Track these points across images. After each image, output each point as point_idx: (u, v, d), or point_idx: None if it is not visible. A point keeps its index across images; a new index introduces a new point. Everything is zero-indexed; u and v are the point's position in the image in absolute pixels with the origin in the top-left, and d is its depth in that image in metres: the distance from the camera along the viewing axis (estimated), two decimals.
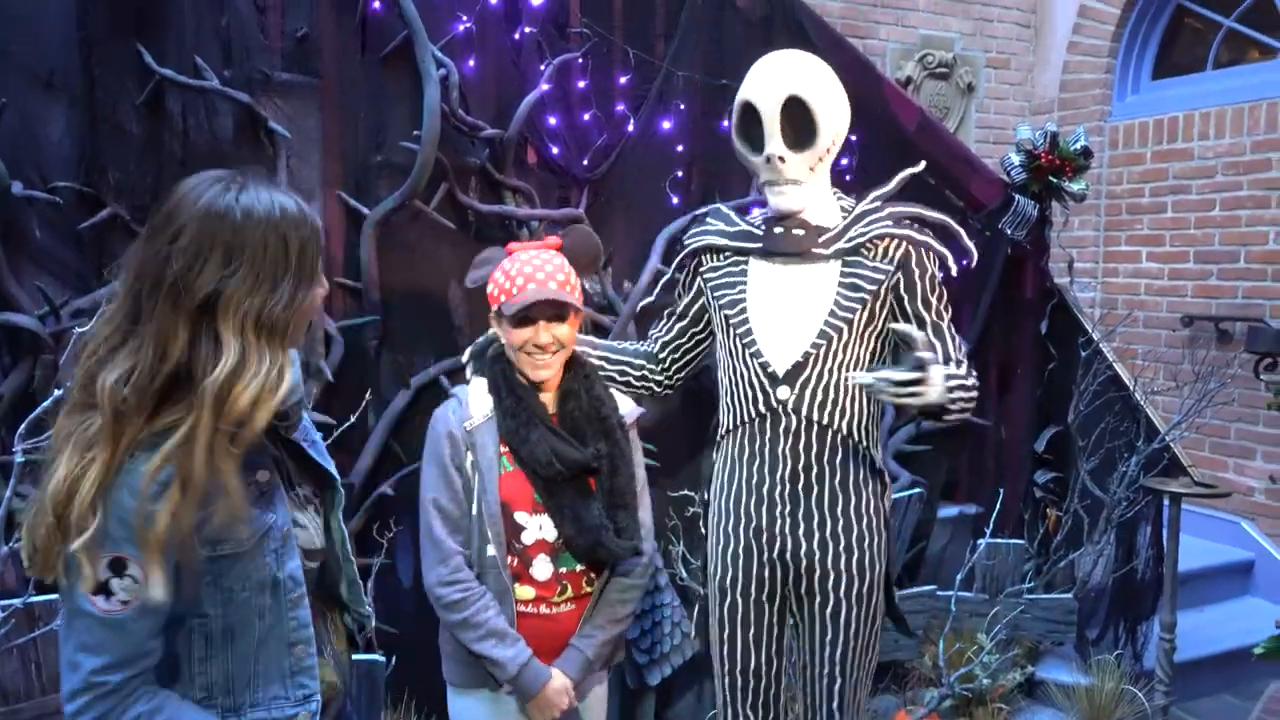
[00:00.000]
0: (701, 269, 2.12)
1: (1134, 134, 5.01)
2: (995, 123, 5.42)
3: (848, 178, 3.09)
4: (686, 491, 3.06)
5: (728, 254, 2.08)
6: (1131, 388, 3.55)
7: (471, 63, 2.81)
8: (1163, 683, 3.15)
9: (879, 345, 1.99)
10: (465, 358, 2.15)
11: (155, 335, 1.18)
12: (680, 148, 3.16)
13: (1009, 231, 3.49)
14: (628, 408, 2.10)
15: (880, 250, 1.96)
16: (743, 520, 2.03)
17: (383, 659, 2.48)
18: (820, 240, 1.97)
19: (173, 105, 2.45)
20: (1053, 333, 3.72)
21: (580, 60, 3.01)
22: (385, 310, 2.73)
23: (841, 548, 1.98)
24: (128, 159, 2.42)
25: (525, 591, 1.95)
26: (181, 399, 1.18)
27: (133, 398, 1.16)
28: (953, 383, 1.79)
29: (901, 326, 1.85)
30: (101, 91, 2.38)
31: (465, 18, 2.80)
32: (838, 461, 1.97)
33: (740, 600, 2.05)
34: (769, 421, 1.97)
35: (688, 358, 2.22)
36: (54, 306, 2.31)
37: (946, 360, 1.91)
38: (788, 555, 2.00)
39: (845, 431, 1.96)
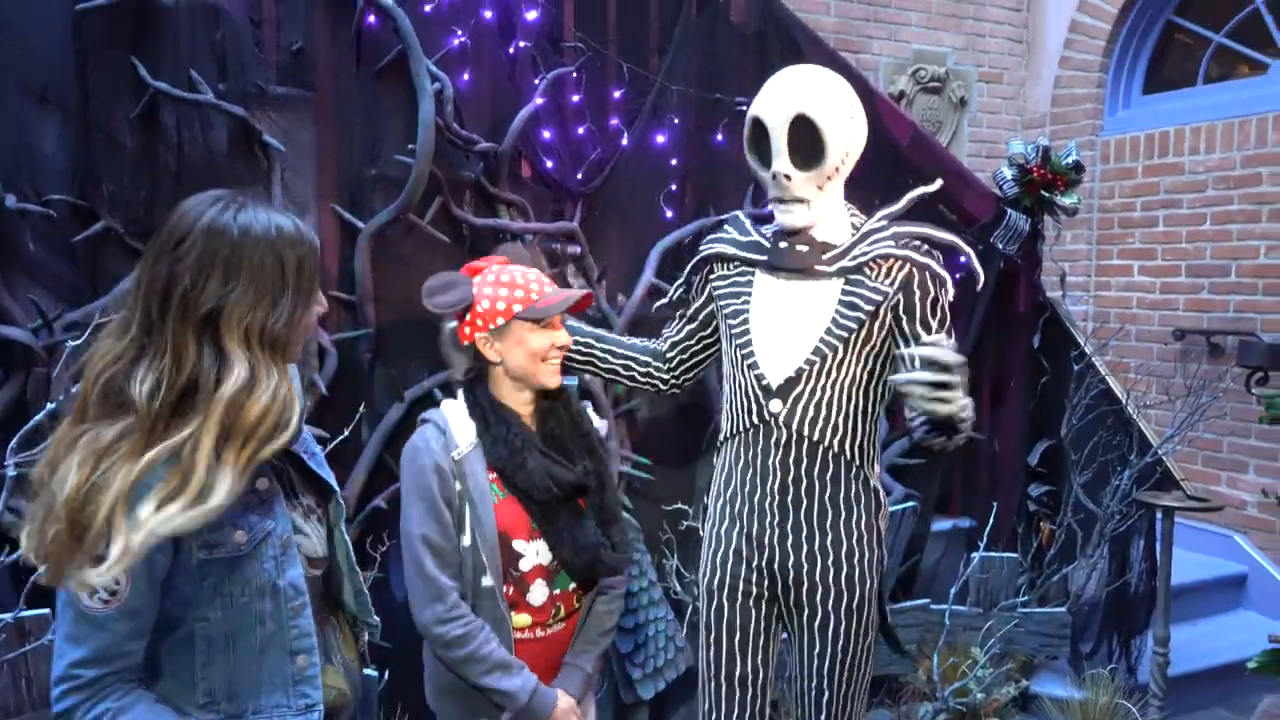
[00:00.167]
0: (711, 276, 2.13)
1: (1125, 148, 5.04)
2: (987, 137, 5.44)
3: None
4: (680, 505, 3.06)
5: (736, 264, 2.08)
6: (1124, 401, 3.56)
7: (466, 77, 2.82)
8: (1156, 696, 3.15)
9: (877, 365, 1.97)
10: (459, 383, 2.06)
11: (171, 348, 1.23)
12: (674, 161, 3.17)
13: (1001, 245, 3.51)
14: (599, 421, 2.10)
15: (883, 270, 1.94)
16: (736, 525, 2.04)
17: (375, 673, 2.47)
18: (824, 257, 1.96)
19: (167, 119, 2.45)
20: (1045, 346, 3.73)
21: (574, 74, 3.02)
22: (379, 324, 2.73)
23: (830, 562, 1.97)
24: (122, 172, 2.41)
25: (522, 619, 1.93)
26: (191, 411, 1.23)
27: (164, 407, 1.22)
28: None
29: (902, 350, 1.80)
30: (96, 104, 2.38)
31: (460, 32, 2.80)
32: (828, 477, 1.97)
33: (727, 604, 2.05)
34: (761, 433, 1.98)
35: (695, 360, 2.22)
36: (47, 320, 2.30)
37: None
38: (775, 566, 2.00)
39: (836, 448, 1.95)
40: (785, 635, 2.10)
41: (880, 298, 1.92)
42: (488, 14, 2.85)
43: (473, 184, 2.87)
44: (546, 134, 2.98)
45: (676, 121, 3.15)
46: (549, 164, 2.98)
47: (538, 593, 1.93)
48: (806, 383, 1.94)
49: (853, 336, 1.93)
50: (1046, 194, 3.47)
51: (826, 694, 2.01)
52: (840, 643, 1.99)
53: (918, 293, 1.92)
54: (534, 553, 1.91)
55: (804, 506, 1.97)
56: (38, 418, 2.13)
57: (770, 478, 1.98)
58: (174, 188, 2.42)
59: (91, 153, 2.39)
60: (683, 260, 3.18)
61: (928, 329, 1.93)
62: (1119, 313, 5.03)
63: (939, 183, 2.09)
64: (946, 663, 3.08)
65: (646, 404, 3.15)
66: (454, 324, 1.96)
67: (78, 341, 2.17)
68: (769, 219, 2.05)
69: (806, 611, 2.00)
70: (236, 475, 1.24)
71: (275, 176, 2.56)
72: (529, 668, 1.91)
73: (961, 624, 3.26)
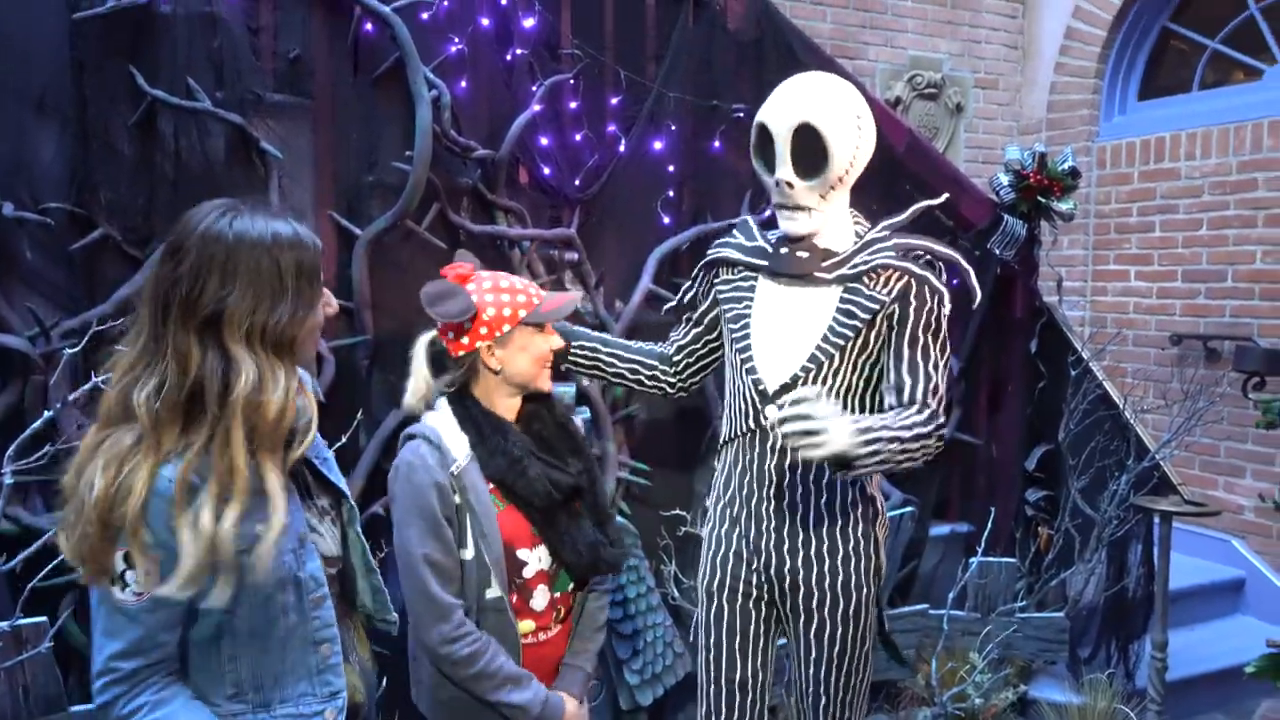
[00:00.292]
0: (716, 280, 2.14)
1: (1121, 154, 5.05)
2: (984, 143, 5.45)
3: None
4: (678, 510, 3.06)
5: (741, 268, 2.08)
6: (1121, 406, 3.57)
7: (463, 84, 2.83)
8: (1155, 701, 3.15)
9: (873, 373, 1.96)
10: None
11: (174, 353, 1.28)
12: (671, 168, 3.18)
13: (998, 251, 3.51)
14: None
15: (882, 280, 1.92)
16: (735, 529, 2.05)
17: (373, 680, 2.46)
18: (824, 265, 1.96)
19: (165, 126, 2.45)
20: (1042, 351, 3.73)
21: (572, 81, 3.03)
22: (377, 330, 2.73)
23: (826, 568, 1.97)
24: (119, 180, 2.41)
25: (526, 625, 1.92)
26: (205, 412, 1.28)
27: (164, 410, 1.26)
28: (868, 435, 1.70)
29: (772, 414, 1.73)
30: (93, 112, 2.38)
31: (457, 39, 2.81)
32: (823, 484, 1.97)
33: (726, 606, 2.06)
34: (758, 438, 1.99)
35: (701, 363, 2.22)
36: (44, 328, 2.30)
37: (910, 402, 1.87)
38: (772, 570, 2.01)
39: None
40: (784, 640, 2.10)
41: (877, 306, 1.90)
42: (485, 21, 2.86)
43: (470, 190, 2.87)
44: (544, 141, 2.98)
45: (673, 128, 3.16)
46: (546, 170, 2.99)
47: (540, 598, 1.92)
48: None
49: (849, 344, 1.92)
50: (1043, 199, 3.47)
51: (824, 700, 2.02)
52: (837, 649, 1.99)
53: (914, 304, 1.90)
54: (536, 559, 1.90)
55: (800, 512, 1.97)
56: (35, 425, 2.13)
57: (767, 483, 1.98)
58: (171, 195, 2.42)
59: (89, 160, 2.39)
60: (680, 266, 3.19)
61: (915, 343, 1.90)
62: (1116, 318, 5.04)
63: (945, 196, 2.09)
64: (945, 668, 3.07)
65: (644, 409, 3.15)
66: (431, 335, 1.93)
67: (75, 349, 2.17)
68: (776, 224, 2.05)
69: (803, 617, 2.00)
70: (282, 477, 1.32)
71: (273, 184, 2.57)
72: (533, 673, 1.90)
73: (960, 629, 3.26)
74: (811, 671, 2.02)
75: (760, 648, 2.07)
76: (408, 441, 1.89)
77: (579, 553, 1.91)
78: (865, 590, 2.00)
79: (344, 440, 2.57)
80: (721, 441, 2.10)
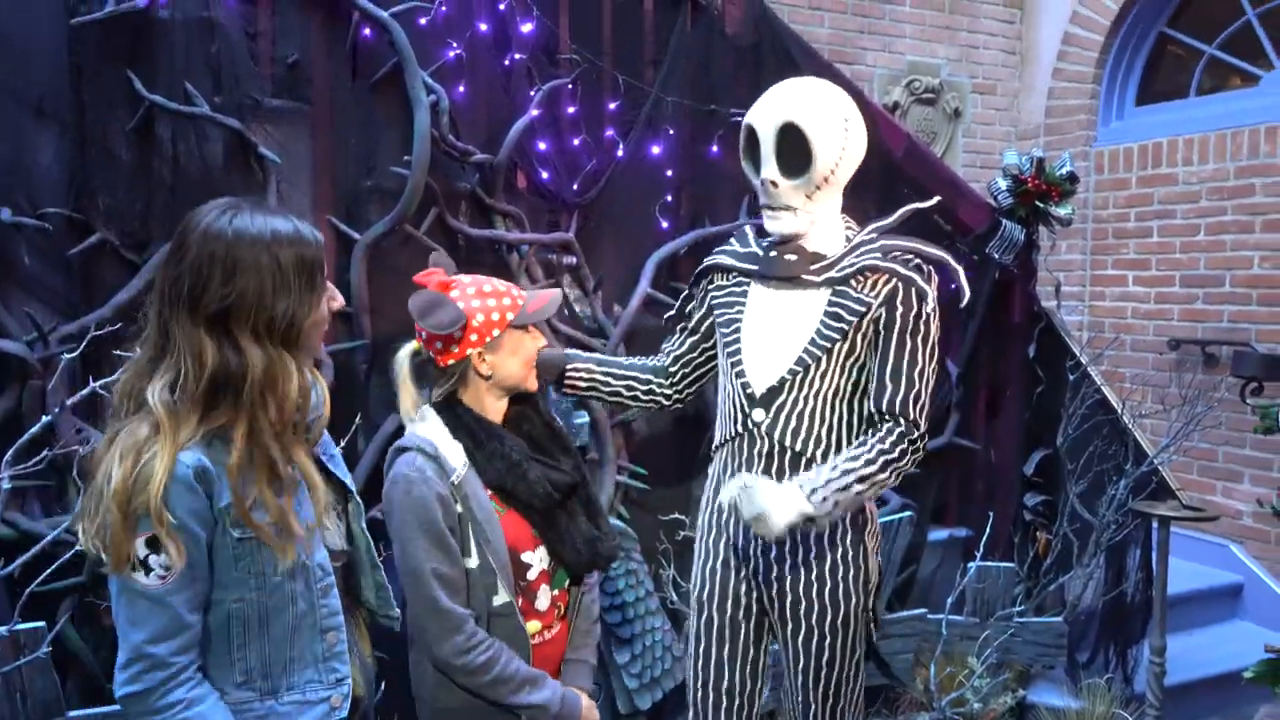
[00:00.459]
0: (710, 287, 2.14)
1: (1119, 159, 5.06)
2: (982, 148, 5.46)
3: None
4: (677, 515, 3.06)
5: (734, 274, 2.09)
6: (1119, 411, 3.57)
7: (462, 89, 2.83)
8: (1153, 706, 3.14)
9: (861, 376, 1.95)
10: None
11: (188, 348, 1.32)
12: (669, 172, 3.18)
13: (996, 256, 3.52)
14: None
15: (869, 282, 1.91)
16: (723, 537, 2.05)
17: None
18: (812, 267, 1.96)
19: (163, 131, 2.45)
20: (1040, 356, 3.74)
21: (570, 86, 3.03)
22: (375, 335, 2.73)
23: (814, 576, 1.97)
24: (117, 185, 2.42)
25: (532, 625, 1.91)
26: (225, 403, 1.33)
27: (184, 403, 1.31)
28: (822, 493, 1.76)
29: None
30: (91, 117, 2.38)
31: (455, 44, 2.81)
32: None
33: (716, 615, 2.06)
34: (746, 442, 1.98)
35: (698, 372, 2.22)
36: (42, 332, 2.30)
37: (891, 411, 1.87)
38: (760, 578, 2.01)
39: (820, 460, 1.92)
40: (776, 649, 2.10)
41: (864, 309, 1.90)
42: (483, 26, 2.86)
43: (468, 195, 2.87)
44: (542, 145, 2.98)
45: (672, 133, 3.16)
46: (544, 175, 2.99)
47: (543, 598, 1.93)
48: (789, 392, 1.93)
49: (836, 347, 1.91)
50: (1041, 204, 3.48)
51: (812, 707, 2.01)
52: (825, 657, 1.98)
53: (900, 308, 1.89)
54: (538, 560, 1.91)
55: None
56: (32, 430, 2.13)
57: None
58: (169, 200, 2.43)
59: (87, 165, 2.39)
60: (678, 271, 3.19)
61: (901, 347, 1.89)
62: (1114, 322, 5.04)
63: (936, 199, 2.10)
64: (943, 672, 3.07)
65: (643, 414, 3.15)
66: (413, 347, 1.91)
67: (73, 354, 2.17)
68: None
69: (791, 625, 2.00)
70: (311, 460, 1.40)
71: (271, 188, 2.57)
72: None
73: (958, 634, 3.26)
74: (800, 680, 2.01)
75: (750, 658, 2.07)
76: (400, 455, 1.85)
77: (578, 550, 1.91)
78: (854, 600, 1.98)
79: (342, 445, 2.56)
80: (714, 446, 2.10)
